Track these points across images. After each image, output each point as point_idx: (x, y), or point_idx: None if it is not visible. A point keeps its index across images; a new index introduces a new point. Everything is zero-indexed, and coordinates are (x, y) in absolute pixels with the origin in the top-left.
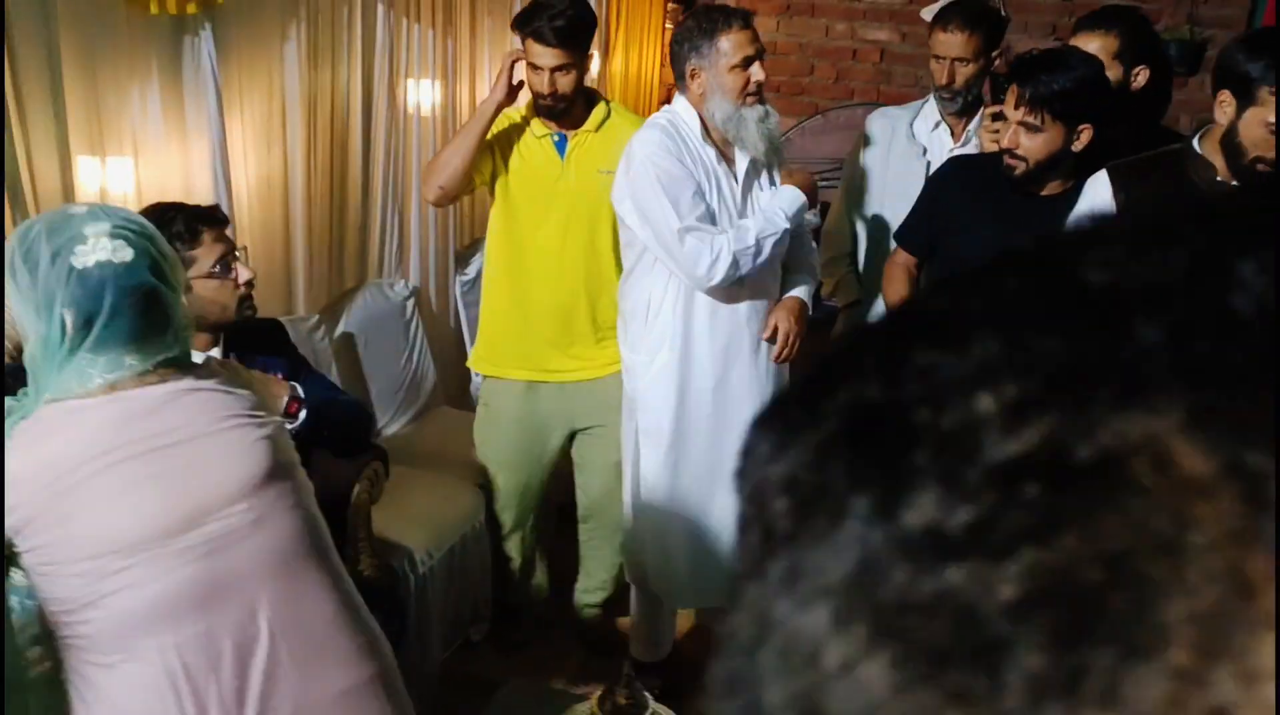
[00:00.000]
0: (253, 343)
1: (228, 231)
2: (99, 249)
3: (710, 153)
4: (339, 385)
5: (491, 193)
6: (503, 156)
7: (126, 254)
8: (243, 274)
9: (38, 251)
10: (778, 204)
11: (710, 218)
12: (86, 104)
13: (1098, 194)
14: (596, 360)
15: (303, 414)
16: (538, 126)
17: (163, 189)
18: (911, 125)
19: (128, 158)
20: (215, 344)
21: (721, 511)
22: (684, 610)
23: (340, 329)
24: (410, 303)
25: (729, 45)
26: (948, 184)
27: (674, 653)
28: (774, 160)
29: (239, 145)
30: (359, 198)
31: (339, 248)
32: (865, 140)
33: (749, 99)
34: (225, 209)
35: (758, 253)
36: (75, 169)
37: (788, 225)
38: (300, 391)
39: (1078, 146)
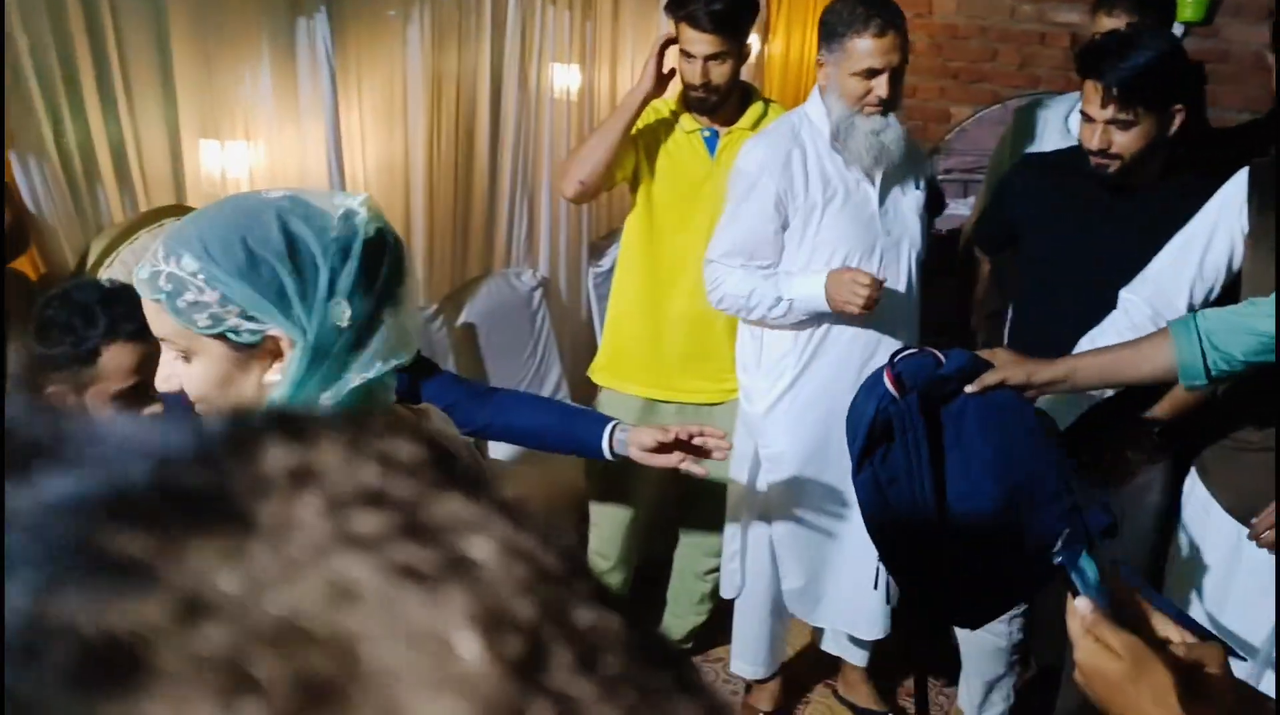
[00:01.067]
0: None
1: None
2: (367, 227)
3: (838, 159)
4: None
5: (633, 190)
6: (647, 151)
7: (390, 235)
8: None
9: (297, 236)
10: (794, 284)
11: (772, 249)
12: (198, 86)
13: (1231, 193)
14: (726, 382)
15: None
16: (687, 121)
17: (275, 173)
18: (1066, 119)
19: (244, 141)
20: None
21: (859, 536)
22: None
23: (461, 319)
24: (538, 294)
25: (856, 50)
26: (1022, 186)
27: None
28: (898, 172)
29: (356, 129)
30: (485, 184)
31: (463, 236)
32: (1013, 133)
33: (867, 109)
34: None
35: (747, 309)
36: (197, 152)
37: (788, 300)
38: None
39: (1173, 130)
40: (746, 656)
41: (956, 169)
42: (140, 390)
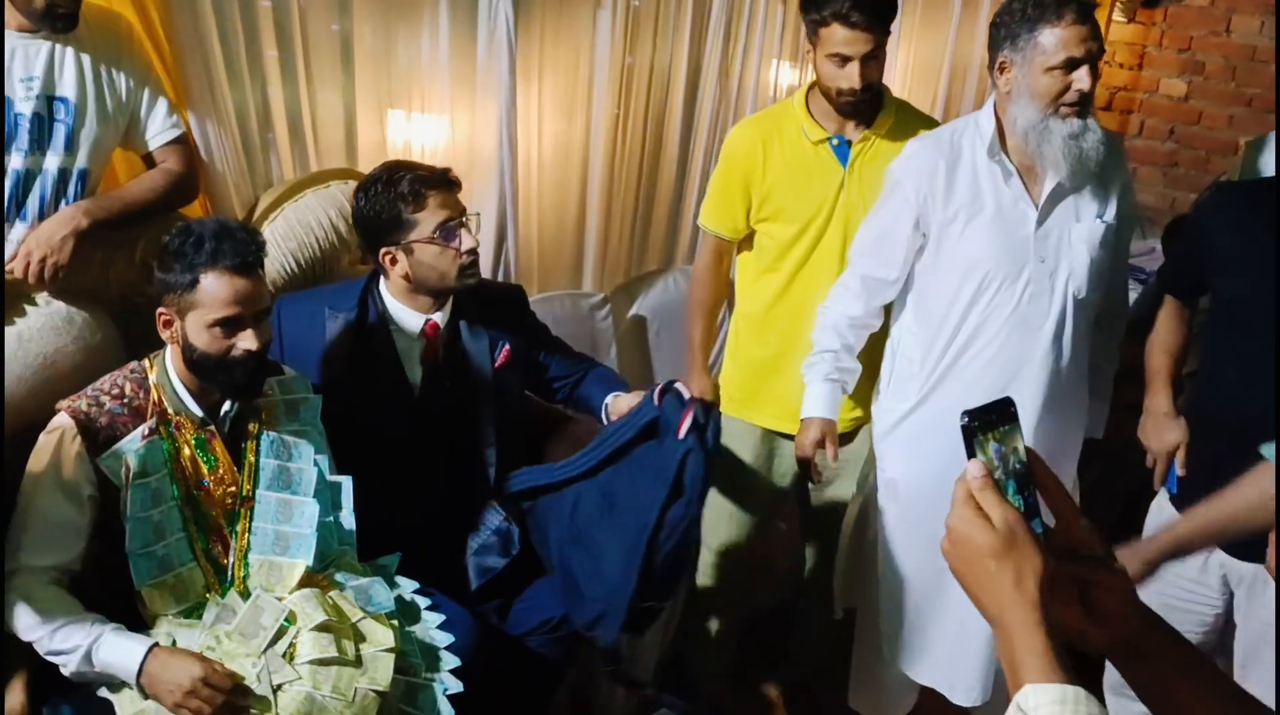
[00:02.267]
0: (484, 310)
1: (460, 196)
2: None
3: (995, 172)
4: (614, 368)
5: (755, 218)
6: (767, 169)
7: None
8: (465, 242)
9: None
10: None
11: (897, 257)
12: (375, 57)
13: None
14: (854, 411)
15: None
16: (814, 129)
17: (442, 145)
18: None
19: (429, 114)
20: (439, 307)
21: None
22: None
23: (632, 312)
24: None
25: (1051, 41)
26: (1218, 216)
27: None
28: (1077, 195)
29: (534, 111)
30: (673, 179)
31: (644, 228)
32: (1242, 167)
33: (1064, 109)
34: (508, 174)
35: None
36: (372, 119)
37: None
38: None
39: None
40: (860, 690)
41: None
42: (235, 323)
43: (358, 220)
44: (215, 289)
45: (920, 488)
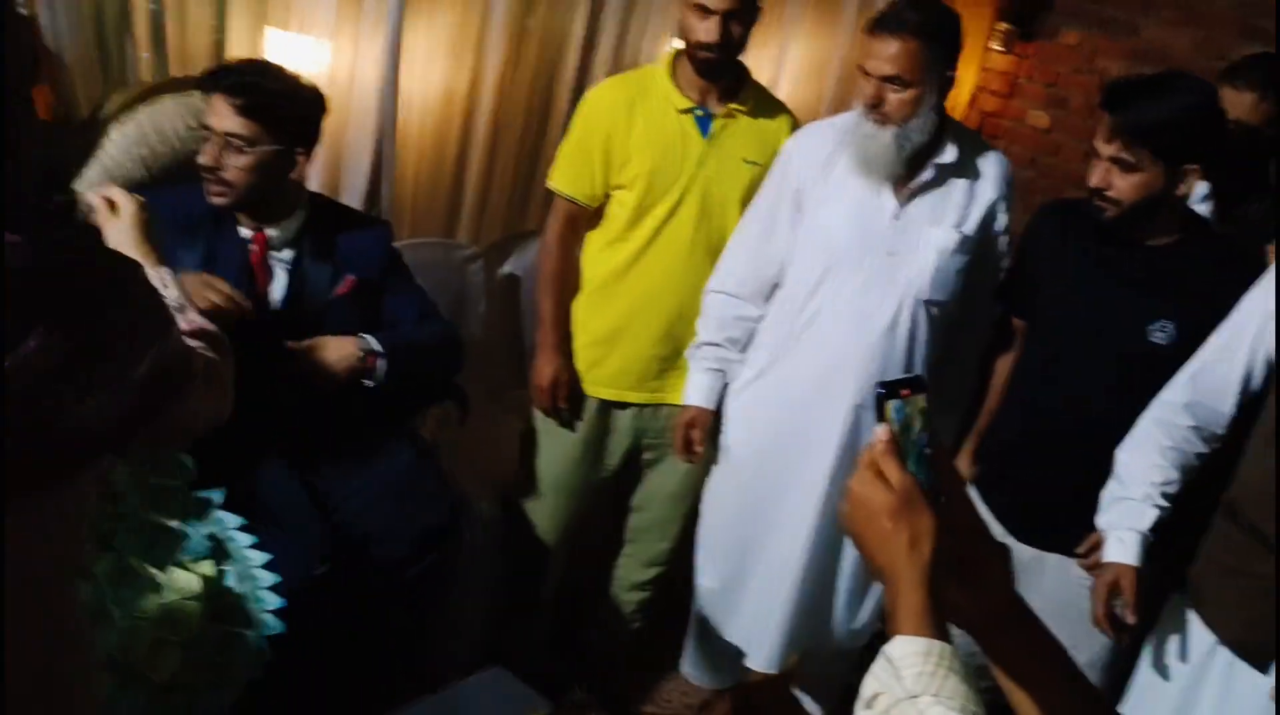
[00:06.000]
0: (339, 237)
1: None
2: None
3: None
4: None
5: (611, 184)
6: (630, 132)
7: None
8: (202, 157)
9: None
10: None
11: (783, 229)
12: None
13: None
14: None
15: (381, 366)
16: (678, 97)
17: (324, 71)
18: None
19: (308, 36)
20: (273, 222)
21: (775, 556)
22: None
23: (505, 269)
24: None
25: (866, 47)
26: (1040, 233)
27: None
28: (938, 198)
29: (421, 48)
30: (559, 141)
31: (525, 186)
32: None
33: (871, 114)
34: (389, 108)
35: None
36: (245, 35)
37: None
38: (375, 344)
39: (1183, 190)
40: (691, 655)
41: None
42: None
43: None
44: None
45: (750, 452)
